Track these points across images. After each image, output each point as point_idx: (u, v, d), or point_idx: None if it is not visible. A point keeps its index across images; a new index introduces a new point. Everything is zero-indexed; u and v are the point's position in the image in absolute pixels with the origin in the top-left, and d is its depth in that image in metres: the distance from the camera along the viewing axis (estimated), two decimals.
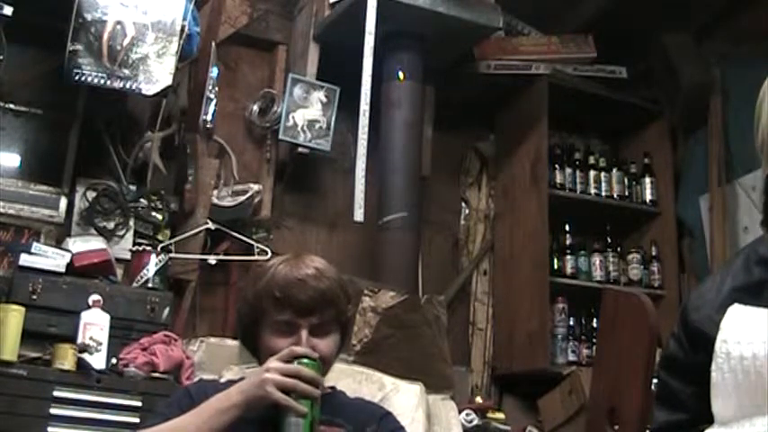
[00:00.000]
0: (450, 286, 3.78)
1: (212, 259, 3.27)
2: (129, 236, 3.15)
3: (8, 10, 2.78)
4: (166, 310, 2.84)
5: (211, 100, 3.36)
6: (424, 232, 3.67)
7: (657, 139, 4.05)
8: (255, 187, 3.39)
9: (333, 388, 1.61)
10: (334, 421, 1.49)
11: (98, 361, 2.57)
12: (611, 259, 3.85)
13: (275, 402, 1.37)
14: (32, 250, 2.76)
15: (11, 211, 3.06)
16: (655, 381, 1.63)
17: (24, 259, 2.70)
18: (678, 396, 1.36)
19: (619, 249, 3.91)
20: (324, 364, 1.49)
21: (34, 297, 2.63)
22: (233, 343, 2.83)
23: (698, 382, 1.31)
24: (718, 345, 1.28)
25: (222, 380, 1.82)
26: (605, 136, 4.25)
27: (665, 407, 1.40)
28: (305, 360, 1.41)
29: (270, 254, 3.17)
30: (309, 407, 1.38)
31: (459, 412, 2.84)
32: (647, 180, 3.97)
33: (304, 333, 1.47)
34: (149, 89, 2.99)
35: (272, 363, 1.41)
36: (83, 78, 2.89)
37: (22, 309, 2.52)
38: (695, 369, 1.32)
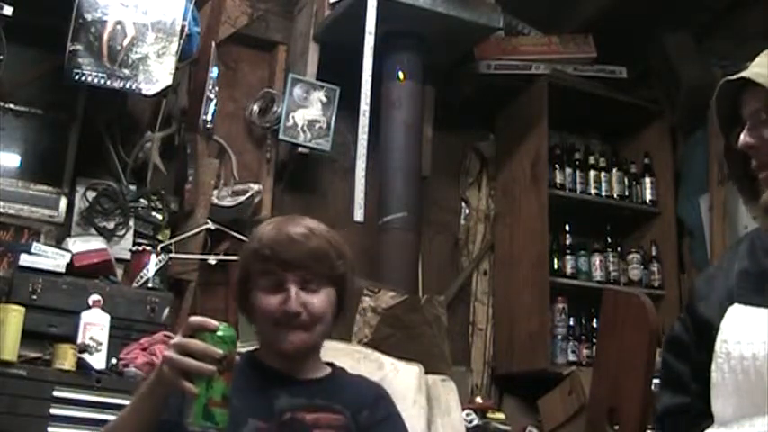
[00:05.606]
0: (450, 286, 3.78)
1: (212, 259, 3.27)
2: (129, 236, 3.15)
3: (8, 10, 2.78)
4: (166, 311, 2.84)
5: (211, 100, 3.35)
6: (424, 232, 3.67)
7: (657, 139, 4.05)
8: (255, 187, 3.38)
9: (332, 365, 1.55)
10: (332, 407, 1.44)
11: (98, 361, 2.57)
12: (611, 259, 3.85)
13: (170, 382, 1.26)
14: (32, 250, 2.76)
15: (11, 211, 3.06)
16: (656, 381, 1.62)
17: (24, 259, 2.69)
18: (682, 378, 1.36)
19: (619, 249, 3.90)
20: (317, 323, 1.45)
21: (34, 297, 2.63)
22: None
23: (701, 371, 1.31)
24: (718, 345, 1.28)
25: None
26: (605, 136, 4.24)
27: (668, 389, 1.40)
28: (207, 333, 1.28)
29: None
30: (204, 384, 1.25)
31: None
32: (647, 180, 3.97)
33: (293, 288, 1.43)
34: (149, 89, 2.99)
35: (175, 338, 1.30)
36: (83, 78, 2.89)
37: (22, 309, 2.52)
38: (699, 359, 1.32)
